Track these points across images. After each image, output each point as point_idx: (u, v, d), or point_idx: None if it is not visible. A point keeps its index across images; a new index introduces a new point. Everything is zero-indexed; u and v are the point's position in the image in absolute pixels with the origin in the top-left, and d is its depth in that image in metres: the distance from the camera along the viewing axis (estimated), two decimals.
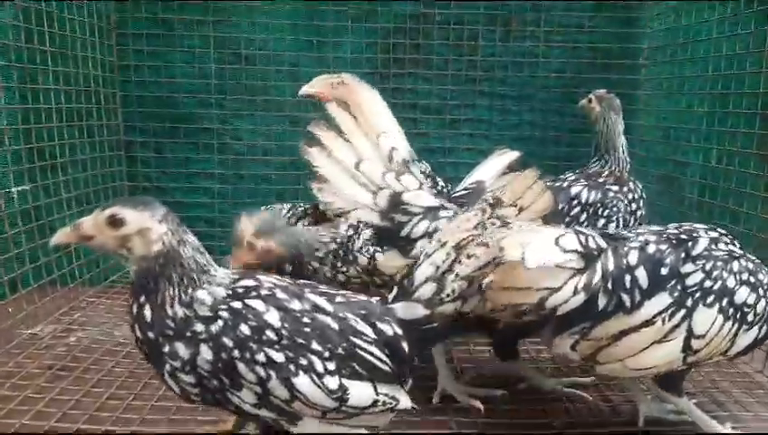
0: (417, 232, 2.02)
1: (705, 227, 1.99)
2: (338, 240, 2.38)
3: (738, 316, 1.81)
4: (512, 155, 2.54)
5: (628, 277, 1.82)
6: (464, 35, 3.83)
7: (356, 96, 2.05)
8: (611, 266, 1.83)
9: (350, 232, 2.48)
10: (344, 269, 2.49)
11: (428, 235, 2.02)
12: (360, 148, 2.02)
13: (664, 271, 1.83)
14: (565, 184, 2.77)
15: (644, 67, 3.93)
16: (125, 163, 3.84)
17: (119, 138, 3.79)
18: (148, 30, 3.71)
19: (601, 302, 1.81)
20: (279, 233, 2.17)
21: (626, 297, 1.81)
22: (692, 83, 3.41)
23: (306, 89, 2.93)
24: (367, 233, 2.47)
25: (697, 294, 1.80)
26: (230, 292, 1.50)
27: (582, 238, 1.82)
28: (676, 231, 1.94)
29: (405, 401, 1.60)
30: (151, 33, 3.72)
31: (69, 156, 3.31)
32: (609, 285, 1.81)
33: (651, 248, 1.86)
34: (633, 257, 1.84)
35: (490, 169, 2.46)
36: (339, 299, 1.61)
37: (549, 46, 3.87)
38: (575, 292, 1.77)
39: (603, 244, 1.86)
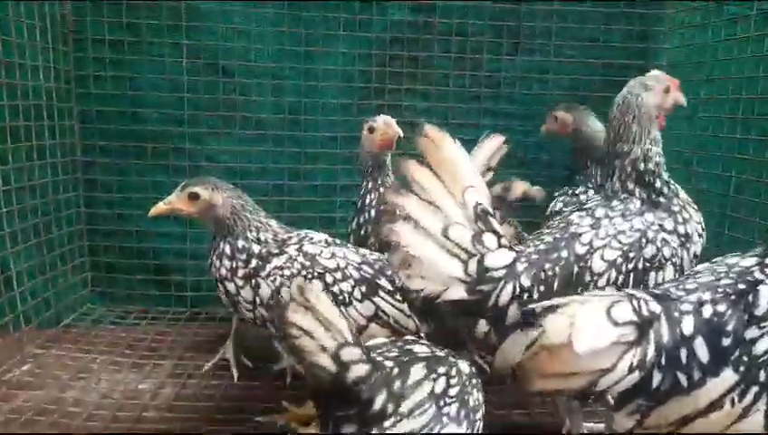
0: (503, 300, 1.80)
1: (758, 258, 1.66)
2: (262, 243, 2.20)
3: None
4: (495, 142, 2.06)
5: (684, 351, 1.55)
6: (467, 48, 3.58)
7: (440, 152, 1.78)
8: (666, 337, 1.55)
9: (273, 249, 2.18)
10: (241, 283, 2.15)
11: (517, 298, 1.82)
12: (447, 210, 1.78)
13: (726, 341, 1.54)
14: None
15: None
16: (82, 188, 3.45)
17: (75, 159, 3.40)
18: (110, 35, 3.35)
19: (655, 379, 1.55)
20: (227, 191, 2.22)
21: (682, 376, 1.54)
22: (713, 106, 3.22)
23: None
24: (282, 258, 2.14)
25: None
26: None
27: (636, 304, 1.55)
28: (730, 280, 1.64)
29: None
30: (114, 39, 3.36)
31: (15, 182, 2.90)
32: (663, 361, 1.54)
33: (707, 311, 1.58)
34: (688, 325, 1.56)
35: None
36: None
37: (560, 61, 3.62)
38: (630, 370, 1.52)
39: (657, 308, 1.58)
